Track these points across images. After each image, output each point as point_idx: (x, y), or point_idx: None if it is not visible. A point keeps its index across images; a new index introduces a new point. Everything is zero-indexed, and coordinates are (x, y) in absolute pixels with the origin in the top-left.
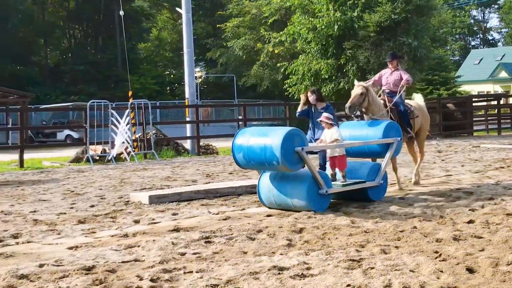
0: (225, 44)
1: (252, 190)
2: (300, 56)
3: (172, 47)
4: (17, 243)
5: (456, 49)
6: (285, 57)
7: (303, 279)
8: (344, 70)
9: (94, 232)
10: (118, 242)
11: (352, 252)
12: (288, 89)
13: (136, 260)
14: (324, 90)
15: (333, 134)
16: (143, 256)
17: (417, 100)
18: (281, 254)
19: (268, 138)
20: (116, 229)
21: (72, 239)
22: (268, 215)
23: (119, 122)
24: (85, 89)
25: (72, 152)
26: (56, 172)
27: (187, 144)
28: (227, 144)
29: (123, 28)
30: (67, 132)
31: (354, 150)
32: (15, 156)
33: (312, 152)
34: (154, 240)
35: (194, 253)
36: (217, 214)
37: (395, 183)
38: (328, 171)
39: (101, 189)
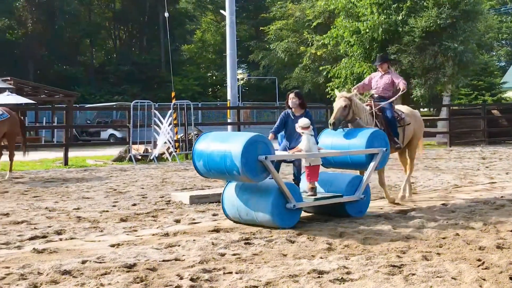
0: (267, 46)
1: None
2: (343, 59)
3: (215, 49)
4: (61, 239)
5: (502, 55)
6: (327, 60)
7: (343, 283)
8: None
9: (135, 231)
10: (159, 241)
11: (393, 257)
12: (330, 92)
13: (176, 259)
14: (367, 93)
15: (302, 142)
16: (183, 255)
17: (405, 106)
18: (321, 257)
19: (228, 144)
20: (157, 228)
21: (114, 236)
22: (308, 219)
23: (161, 123)
24: (129, 90)
25: (115, 151)
26: (100, 171)
27: None
28: None
29: (167, 29)
30: (110, 131)
31: (336, 161)
32: (59, 154)
33: (286, 161)
34: (194, 240)
35: (234, 254)
36: None
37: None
38: (305, 183)
39: (143, 188)
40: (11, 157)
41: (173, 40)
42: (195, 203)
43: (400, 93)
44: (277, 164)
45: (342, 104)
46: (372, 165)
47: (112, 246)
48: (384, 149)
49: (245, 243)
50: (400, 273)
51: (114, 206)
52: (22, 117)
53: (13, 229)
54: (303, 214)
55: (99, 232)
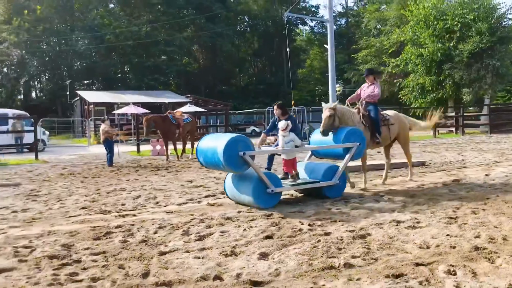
0: (357, 67)
1: (375, 168)
2: (411, 75)
3: (320, 71)
4: (224, 197)
5: None
6: (399, 75)
7: (414, 229)
8: (443, 84)
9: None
10: (286, 199)
11: (450, 212)
12: (402, 97)
13: (299, 211)
14: (428, 98)
15: (279, 142)
16: (304, 209)
17: (392, 111)
18: (398, 212)
19: (217, 143)
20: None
21: None
22: (390, 185)
23: None
24: (263, 100)
25: (255, 141)
26: None
27: None
28: None
29: (288, 59)
30: (252, 127)
31: (323, 153)
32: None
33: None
34: (309, 199)
35: (337, 209)
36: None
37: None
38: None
39: (274, 165)
40: (192, 144)
41: (292, 66)
42: None
43: (360, 102)
44: (271, 157)
45: (327, 114)
46: (347, 156)
47: None
48: (358, 143)
49: (345, 202)
50: (456, 222)
51: None
52: (198, 120)
53: (195, 190)
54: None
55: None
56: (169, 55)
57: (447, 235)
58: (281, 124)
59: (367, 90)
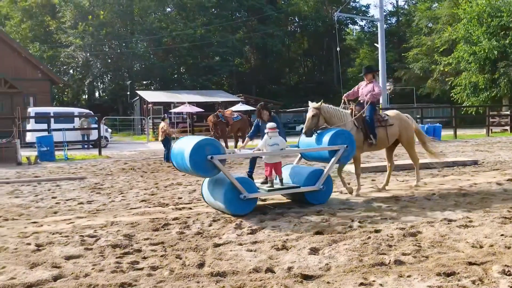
0: (407, 66)
1: (427, 166)
2: (463, 73)
3: None
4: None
5: None
6: (451, 74)
7: (467, 228)
8: (498, 82)
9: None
10: (336, 196)
11: (505, 212)
12: (454, 96)
13: (349, 208)
14: (481, 96)
15: (260, 143)
16: (354, 206)
17: (393, 111)
18: (450, 210)
19: (185, 148)
20: (335, 188)
21: None
22: (441, 184)
23: None
24: (314, 99)
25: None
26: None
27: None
28: None
29: (338, 59)
30: (301, 126)
31: (312, 156)
32: None
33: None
34: (358, 196)
35: (388, 206)
36: (402, 181)
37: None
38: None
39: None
40: (237, 140)
41: (341, 65)
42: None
43: (367, 103)
44: (253, 160)
45: (310, 114)
46: (333, 159)
47: None
48: (345, 145)
49: (395, 200)
50: (511, 222)
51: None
52: (249, 118)
53: None
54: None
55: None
56: (222, 56)
57: (502, 235)
58: (270, 124)
59: (365, 88)
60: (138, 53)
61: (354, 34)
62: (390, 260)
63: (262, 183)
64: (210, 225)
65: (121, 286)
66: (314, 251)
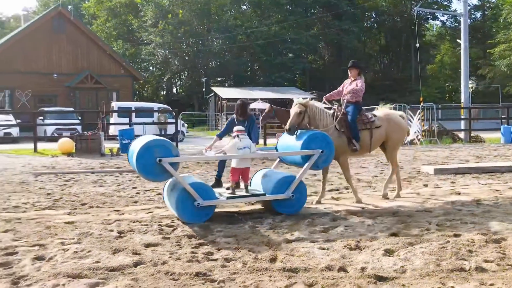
0: (492, 63)
1: (483, 170)
2: None
3: (451, 67)
4: (348, 192)
5: None
6: None
7: None
8: None
9: (395, 190)
10: (413, 198)
11: None
12: None
13: (426, 210)
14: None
15: (226, 145)
16: (432, 208)
17: (384, 109)
18: None
19: (134, 149)
20: (411, 189)
21: (377, 192)
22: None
23: (412, 118)
24: (390, 96)
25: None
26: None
27: (461, 135)
28: (491, 135)
29: (418, 55)
30: None
31: (287, 160)
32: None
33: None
34: (437, 199)
35: (468, 210)
36: (485, 185)
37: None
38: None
39: (400, 162)
40: None
41: (420, 62)
42: (438, 173)
43: (343, 105)
44: (222, 163)
45: (296, 111)
46: (306, 165)
47: (386, 199)
48: (320, 150)
49: (477, 204)
50: None
51: (381, 173)
52: None
53: (319, 184)
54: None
55: (372, 189)
56: (296, 53)
57: None
58: (237, 126)
59: (349, 87)
60: (214, 51)
61: (435, 29)
62: (470, 267)
63: (228, 188)
64: (282, 221)
65: (197, 275)
66: (388, 252)
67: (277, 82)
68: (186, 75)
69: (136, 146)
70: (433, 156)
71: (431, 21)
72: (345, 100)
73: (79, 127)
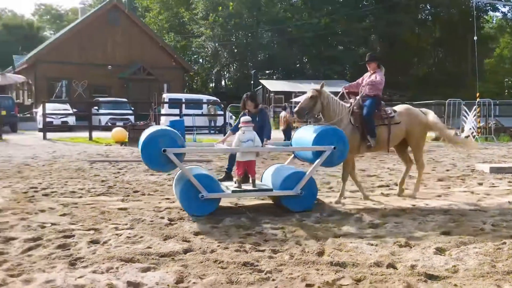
0: None
1: None
2: None
3: (511, 61)
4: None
5: None
6: None
7: None
8: None
9: (449, 188)
10: (466, 196)
11: None
12: None
13: (480, 210)
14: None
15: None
16: (487, 208)
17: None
18: None
19: (141, 139)
20: (465, 187)
21: (434, 190)
22: None
23: (468, 114)
24: (444, 91)
25: (432, 134)
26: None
27: None
28: None
29: (475, 49)
30: None
31: (301, 156)
32: None
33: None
34: (493, 198)
35: None
36: None
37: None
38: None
39: (453, 159)
40: None
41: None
42: (494, 172)
43: (361, 92)
44: (232, 157)
45: (308, 95)
46: (317, 161)
47: (437, 196)
48: (332, 147)
49: None
50: None
51: (433, 170)
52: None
53: (368, 179)
54: None
55: (424, 186)
56: (346, 45)
57: None
58: (244, 117)
59: (367, 80)
60: (263, 43)
61: (494, 21)
62: None
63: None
64: (330, 216)
65: (244, 265)
66: (440, 251)
67: (326, 75)
68: (234, 67)
69: (143, 136)
70: (489, 154)
71: (490, 13)
72: (363, 94)
73: (131, 117)
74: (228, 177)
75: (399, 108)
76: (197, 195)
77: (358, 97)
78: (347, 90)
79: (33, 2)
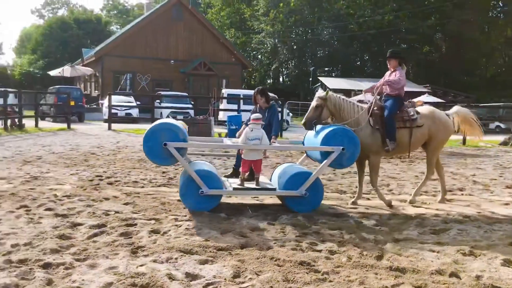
0: None
1: None
2: None
3: None
4: (462, 194)
5: None
6: None
7: None
8: None
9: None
10: None
11: None
12: None
13: None
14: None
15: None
16: None
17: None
18: None
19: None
20: None
21: (502, 198)
22: None
23: None
24: None
25: (500, 138)
26: (489, 151)
27: None
28: None
29: None
30: (496, 123)
31: (312, 156)
32: (459, 137)
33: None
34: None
35: None
36: None
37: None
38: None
39: None
40: None
41: None
42: None
43: (377, 90)
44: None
45: (313, 105)
46: (324, 162)
47: (505, 204)
48: (341, 148)
49: None
50: None
51: (500, 176)
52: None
53: (430, 183)
54: None
55: (490, 193)
56: (410, 43)
57: None
58: (255, 114)
59: (388, 79)
60: (323, 40)
61: None
62: None
63: (245, 180)
64: (389, 219)
65: (301, 264)
66: (508, 263)
67: None
68: (293, 64)
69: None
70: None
71: None
72: (384, 93)
73: (191, 112)
74: (235, 174)
75: (423, 110)
76: (197, 191)
77: (375, 97)
78: (367, 92)
79: None
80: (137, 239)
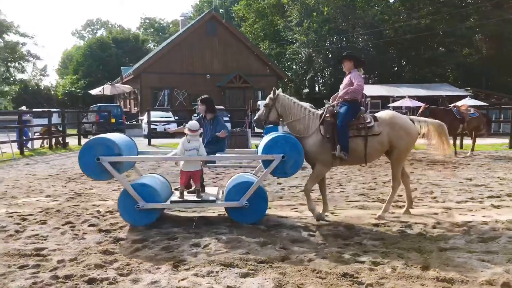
0: None
1: None
2: None
3: None
4: (511, 200)
5: None
6: None
7: None
8: None
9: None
10: None
11: None
12: None
13: None
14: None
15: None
16: None
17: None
18: None
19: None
20: None
21: None
22: None
23: None
24: None
25: None
26: None
27: None
28: None
29: None
30: None
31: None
32: (505, 140)
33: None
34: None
35: None
36: None
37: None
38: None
39: None
40: (474, 140)
41: None
42: None
43: (340, 100)
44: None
45: (263, 104)
46: (265, 171)
47: None
48: (281, 155)
49: None
50: None
51: None
52: (488, 115)
53: (475, 189)
54: None
55: None
56: (448, 46)
57: None
58: (192, 124)
59: (344, 83)
60: (358, 47)
61: None
62: None
63: (189, 192)
64: (433, 228)
65: (343, 276)
66: None
67: (426, 78)
68: (329, 72)
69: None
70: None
71: None
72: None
73: (228, 124)
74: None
75: (382, 115)
76: (133, 205)
77: (331, 103)
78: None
79: (138, 17)
80: (178, 253)
